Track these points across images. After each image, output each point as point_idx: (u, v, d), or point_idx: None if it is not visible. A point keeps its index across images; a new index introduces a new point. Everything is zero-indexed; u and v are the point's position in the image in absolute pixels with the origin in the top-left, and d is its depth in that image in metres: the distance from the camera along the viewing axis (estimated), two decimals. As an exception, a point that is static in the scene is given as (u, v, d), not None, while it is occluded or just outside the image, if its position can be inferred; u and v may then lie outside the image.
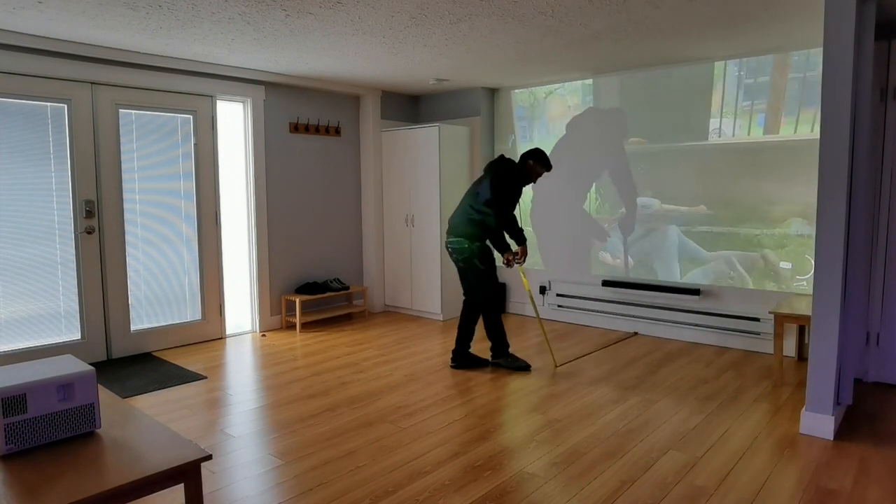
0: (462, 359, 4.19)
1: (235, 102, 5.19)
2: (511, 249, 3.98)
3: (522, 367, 4.10)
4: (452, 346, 4.78)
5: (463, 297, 4.19)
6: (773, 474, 2.61)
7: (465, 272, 4.07)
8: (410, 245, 5.90)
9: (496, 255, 4.22)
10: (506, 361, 4.14)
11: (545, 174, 4.90)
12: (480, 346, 4.74)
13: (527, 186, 4.87)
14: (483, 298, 4.07)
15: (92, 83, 4.23)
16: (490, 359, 4.23)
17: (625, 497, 2.42)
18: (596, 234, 5.33)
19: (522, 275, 4.33)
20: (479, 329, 5.27)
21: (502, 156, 4.05)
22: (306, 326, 5.48)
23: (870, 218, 3.74)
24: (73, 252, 4.23)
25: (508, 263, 4.04)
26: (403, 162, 5.86)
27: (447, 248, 4.13)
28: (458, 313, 5.89)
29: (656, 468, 2.67)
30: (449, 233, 4.10)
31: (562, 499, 2.42)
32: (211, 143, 4.88)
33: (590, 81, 5.25)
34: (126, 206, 4.45)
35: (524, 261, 4.07)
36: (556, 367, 4.12)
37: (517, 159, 4.45)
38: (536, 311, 4.33)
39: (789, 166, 4.31)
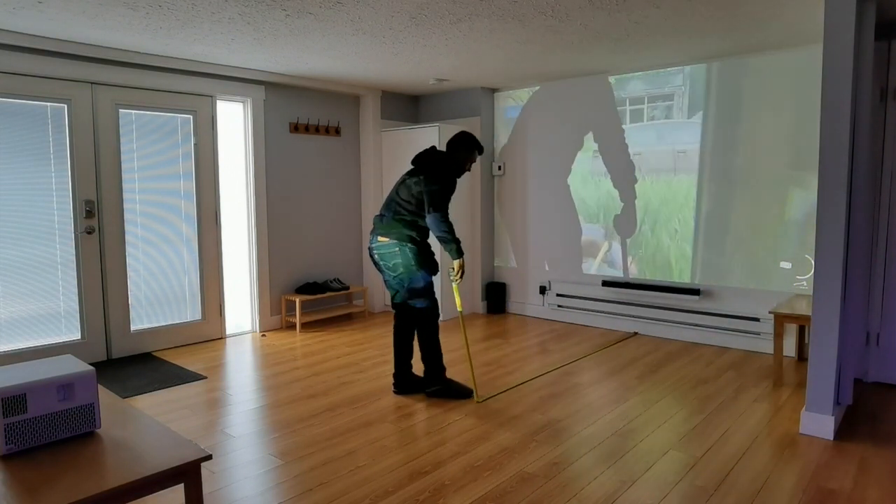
0: (405, 382, 3.67)
1: (235, 102, 5.19)
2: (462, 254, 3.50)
3: (463, 394, 3.57)
4: (453, 345, 4.78)
5: (393, 311, 3.62)
6: (773, 474, 2.61)
7: (399, 280, 3.52)
8: (410, 245, 5.89)
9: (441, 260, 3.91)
10: (443, 388, 3.58)
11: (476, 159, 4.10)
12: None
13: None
14: (419, 311, 3.53)
15: (92, 83, 4.23)
16: (425, 384, 3.63)
17: (625, 497, 2.42)
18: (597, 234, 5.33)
19: (456, 293, 3.63)
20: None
21: (433, 148, 3.58)
22: (306, 326, 5.48)
23: (870, 218, 3.74)
24: (73, 252, 4.23)
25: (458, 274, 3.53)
26: (403, 162, 5.85)
27: (371, 252, 3.58)
28: (456, 315, 5.90)
29: (656, 468, 2.67)
30: (374, 233, 3.55)
31: (562, 499, 2.42)
32: (211, 143, 4.88)
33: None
34: (126, 206, 4.45)
35: (461, 278, 3.54)
36: (478, 401, 3.50)
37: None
38: (465, 335, 3.64)
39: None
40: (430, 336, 3.56)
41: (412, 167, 3.58)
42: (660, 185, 4.92)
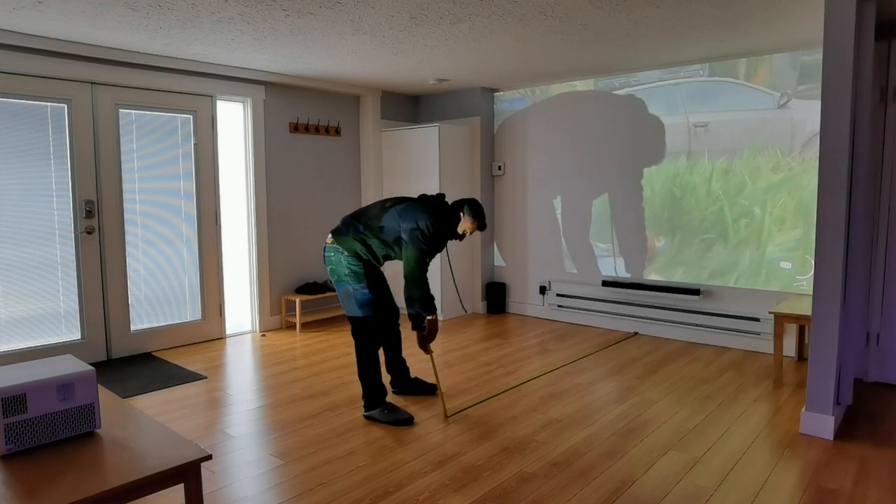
0: (402, 379, 3.58)
1: (235, 102, 5.19)
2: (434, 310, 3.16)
3: (402, 421, 3.19)
4: (452, 345, 4.78)
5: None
6: (773, 474, 2.61)
7: (342, 296, 3.25)
8: (410, 245, 5.89)
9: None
10: (381, 414, 3.23)
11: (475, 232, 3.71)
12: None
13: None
14: (354, 319, 3.21)
15: (92, 83, 4.23)
16: (363, 411, 3.33)
17: (625, 497, 2.42)
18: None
19: (433, 363, 3.39)
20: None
21: (442, 196, 3.31)
22: (306, 326, 5.48)
23: (870, 218, 3.74)
24: (73, 252, 4.23)
25: (423, 343, 3.23)
26: (403, 162, 5.86)
27: (325, 255, 3.28)
28: (459, 313, 5.90)
29: (656, 468, 2.67)
30: (331, 232, 3.28)
31: (562, 499, 2.42)
32: (211, 143, 4.88)
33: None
34: (126, 206, 4.45)
35: (432, 340, 3.21)
36: (447, 416, 3.29)
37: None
38: (443, 402, 3.36)
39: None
40: (365, 352, 3.23)
41: (409, 198, 3.30)
42: (661, 185, 4.93)
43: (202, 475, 2.15)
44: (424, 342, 3.22)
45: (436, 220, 3.14)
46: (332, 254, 3.22)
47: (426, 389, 3.63)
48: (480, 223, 3.26)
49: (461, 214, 3.23)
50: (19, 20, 3.51)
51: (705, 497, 2.42)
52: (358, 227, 3.20)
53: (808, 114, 4.21)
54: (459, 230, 3.25)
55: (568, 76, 5.28)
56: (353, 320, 3.22)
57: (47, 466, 1.58)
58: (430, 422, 3.23)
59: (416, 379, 3.67)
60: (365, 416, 3.28)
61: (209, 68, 4.72)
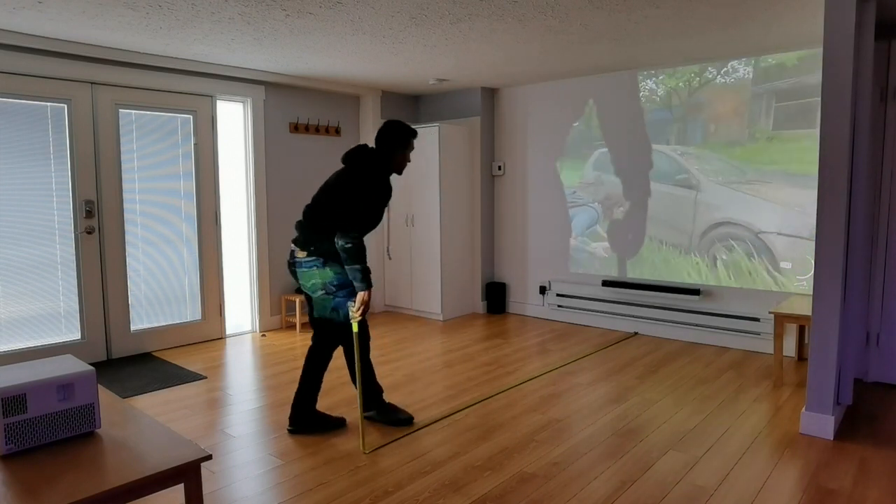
0: (305, 419, 3.07)
1: (235, 102, 5.19)
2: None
3: (403, 421, 3.13)
4: (453, 345, 4.78)
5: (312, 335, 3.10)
6: (773, 474, 2.61)
7: (322, 305, 3.00)
8: (410, 245, 5.90)
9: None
10: (379, 414, 3.16)
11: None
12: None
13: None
14: (346, 338, 3.06)
15: (92, 83, 4.23)
16: (358, 414, 3.11)
17: (625, 497, 2.42)
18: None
19: (355, 337, 2.89)
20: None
21: (364, 146, 2.98)
22: (306, 326, 5.48)
23: (870, 218, 3.74)
24: (73, 252, 4.22)
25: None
26: (403, 162, 5.85)
27: (291, 267, 3.01)
28: (459, 313, 5.90)
29: (656, 468, 2.67)
30: (296, 244, 2.96)
31: (562, 499, 2.42)
32: (211, 143, 4.88)
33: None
34: (126, 206, 4.45)
35: (362, 315, 2.88)
36: (365, 452, 2.85)
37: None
38: (361, 404, 2.93)
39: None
40: (365, 352, 3.10)
41: (343, 166, 3.03)
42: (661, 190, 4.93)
43: (202, 475, 2.15)
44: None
45: (371, 174, 2.86)
46: (315, 268, 2.91)
47: (333, 424, 3.15)
48: (412, 134, 2.99)
49: (395, 150, 2.96)
50: (19, 20, 3.51)
51: (705, 497, 2.42)
52: (323, 225, 2.90)
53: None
54: (397, 168, 2.99)
55: (568, 76, 5.28)
56: (352, 328, 3.01)
57: (47, 466, 1.58)
58: (430, 422, 3.23)
59: (322, 413, 3.21)
60: (365, 415, 3.22)
61: (209, 68, 4.72)
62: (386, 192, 2.93)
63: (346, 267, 2.83)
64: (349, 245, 2.77)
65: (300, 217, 2.97)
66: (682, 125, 4.76)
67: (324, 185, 3.00)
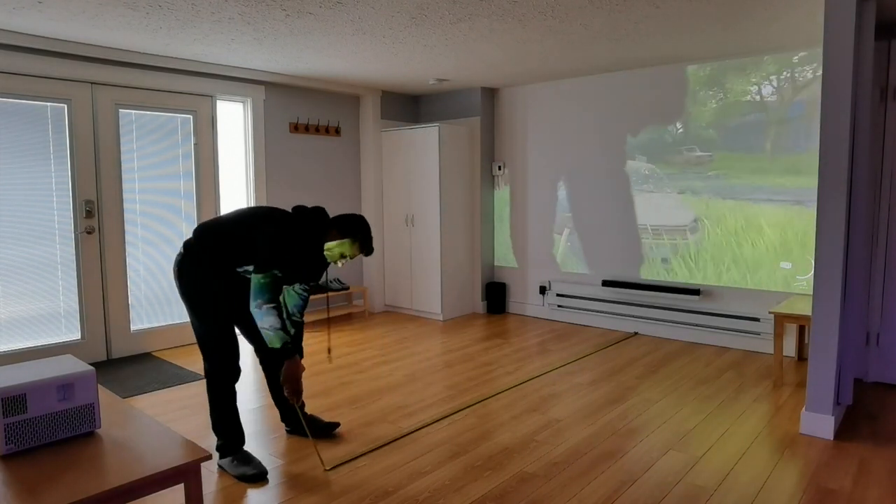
0: (294, 416, 3.01)
1: (235, 102, 5.19)
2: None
3: (251, 476, 2.57)
4: (453, 345, 4.78)
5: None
6: (773, 474, 2.61)
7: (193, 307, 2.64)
8: (410, 245, 5.90)
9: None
10: (230, 465, 2.64)
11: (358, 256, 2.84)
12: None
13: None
14: (209, 363, 2.68)
15: (92, 83, 4.23)
16: (219, 458, 2.70)
17: (625, 497, 2.42)
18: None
19: (300, 414, 2.72)
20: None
21: (321, 210, 2.69)
22: (306, 326, 5.47)
23: (870, 218, 3.74)
24: (73, 252, 4.22)
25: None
26: (403, 162, 5.86)
27: (176, 267, 2.64)
28: (459, 313, 5.90)
29: (656, 468, 2.67)
30: (185, 246, 2.65)
31: (562, 499, 2.42)
32: (211, 143, 4.88)
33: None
34: (126, 206, 4.45)
35: (294, 389, 2.58)
36: (326, 469, 2.68)
37: None
38: (306, 428, 2.77)
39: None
40: (222, 397, 2.68)
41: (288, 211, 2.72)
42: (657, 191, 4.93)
43: (202, 475, 2.15)
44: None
45: (293, 236, 2.55)
46: (186, 266, 2.62)
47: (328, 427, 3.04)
48: (364, 245, 2.64)
49: (332, 232, 2.61)
50: (19, 20, 3.51)
51: (705, 497, 2.42)
52: (220, 247, 2.60)
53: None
54: (330, 253, 2.61)
55: (568, 76, 5.28)
56: (205, 368, 2.73)
57: (47, 466, 1.58)
58: (430, 422, 3.23)
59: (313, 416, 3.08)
60: (219, 463, 2.71)
61: (209, 68, 4.72)
62: (307, 267, 2.65)
63: (266, 339, 2.52)
64: (270, 317, 2.49)
65: (197, 227, 2.70)
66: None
67: (240, 213, 2.68)
